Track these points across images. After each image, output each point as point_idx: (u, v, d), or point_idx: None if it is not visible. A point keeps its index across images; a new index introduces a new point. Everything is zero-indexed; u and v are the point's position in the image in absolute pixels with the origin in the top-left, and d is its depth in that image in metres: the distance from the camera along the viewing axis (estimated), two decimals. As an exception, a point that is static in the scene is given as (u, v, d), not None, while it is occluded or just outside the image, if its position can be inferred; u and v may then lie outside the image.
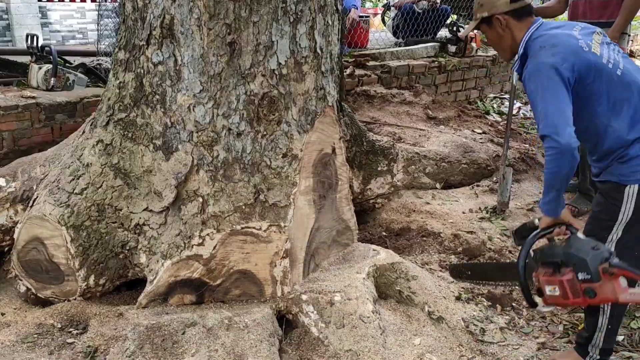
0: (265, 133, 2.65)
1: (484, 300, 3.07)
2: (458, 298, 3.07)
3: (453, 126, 4.94)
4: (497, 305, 3.05)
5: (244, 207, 2.68)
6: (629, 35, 3.90)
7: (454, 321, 2.86)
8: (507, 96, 7.09)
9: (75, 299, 2.76)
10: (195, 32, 2.46)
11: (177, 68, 2.54)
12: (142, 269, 2.78)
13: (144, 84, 2.62)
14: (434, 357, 2.69)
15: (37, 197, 2.75)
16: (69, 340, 2.53)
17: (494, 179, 4.40)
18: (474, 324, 2.86)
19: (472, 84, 6.63)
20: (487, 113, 6.40)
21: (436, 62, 5.94)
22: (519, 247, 2.28)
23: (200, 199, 2.67)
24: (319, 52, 2.69)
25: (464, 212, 3.97)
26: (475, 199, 4.19)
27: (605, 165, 2.30)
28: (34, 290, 2.77)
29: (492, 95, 7.04)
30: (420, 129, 4.55)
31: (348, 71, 4.91)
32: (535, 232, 2.23)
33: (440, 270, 3.32)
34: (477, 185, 4.34)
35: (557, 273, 2.08)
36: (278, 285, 2.76)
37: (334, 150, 2.95)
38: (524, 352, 2.72)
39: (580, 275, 2.02)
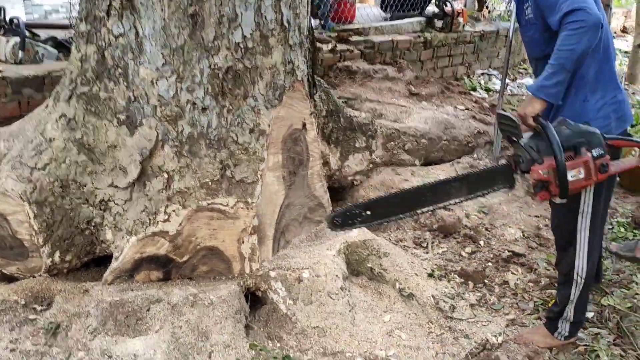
0: (231, 108, 2.59)
1: (457, 277, 3.05)
2: (431, 275, 3.05)
3: (436, 102, 4.88)
4: (470, 282, 3.03)
5: (210, 183, 2.63)
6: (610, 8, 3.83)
7: (424, 298, 2.85)
8: (494, 72, 7.02)
9: (40, 276, 2.73)
10: (155, 3, 2.38)
11: (139, 40, 2.47)
12: (109, 245, 2.75)
13: (105, 57, 2.56)
14: (402, 334, 2.69)
15: (3, 169, 2.70)
16: (31, 317, 2.50)
17: (474, 155, 4.36)
18: (444, 301, 2.85)
19: (459, 60, 6.55)
20: (474, 89, 6.33)
21: (422, 38, 5.85)
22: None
23: (165, 175, 2.62)
24: (286, 25, 2.62)
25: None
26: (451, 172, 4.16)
27: None
28: (-2, 267, 2.74)
29: (479, 71, 6.97)
30: (402, 105, 4.49)
31: (329, 46, 4.83)
32: (537, 119, 2.17)
33: (415, 248, 3.31)
34: (458, 162, 4.30)
35: (578, 155, 2.11)
36: (246, 262, 2.73)
37: (304, 125, 2.90)
38: (492, 328, 2.71)
39: (595, 152, 2.12)
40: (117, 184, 2.68)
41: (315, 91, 3.20)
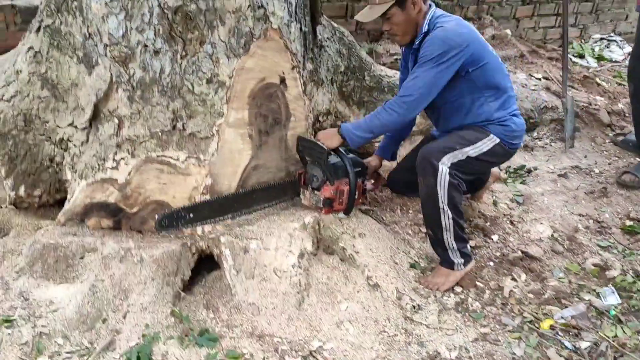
0: (185, 53, 2.35)
1: (442, 273, 2.63)
2: (413, 266, 2.66)
3: (509, 67, 4.24)
4: (459, 284, 2.60)
5: (160, 133, 2.44)
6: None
7: (389, 291, 2.49)
8: (617, 38, 6.03)
9: (5, 207, 2.74)
10: None
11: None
12: (69, 185, 2.68)
13: (65, -12, 2.42)
14: (351, 327, 2.38)
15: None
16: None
17: (534, 134, 3.75)
18: (411, 298, 2.47)
19: (571, 21, 5.64)
20: (581, 57, 5.48)
21: (520, -9, 5.11)
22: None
23: (116, 120, 2.47)
24: (250, -39, 2.30)
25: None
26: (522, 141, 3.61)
27: None
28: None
29: (598, 35, 6.02)
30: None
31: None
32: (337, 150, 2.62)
33: (410, 233, 2.91)
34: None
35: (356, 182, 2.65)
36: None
37: (283, 80, 2.58)
38: (455, 339, 2.30)
39: (363, 179, 2.81)
40: (76, 124, 2.59)
41: (311, 44, 2.86)
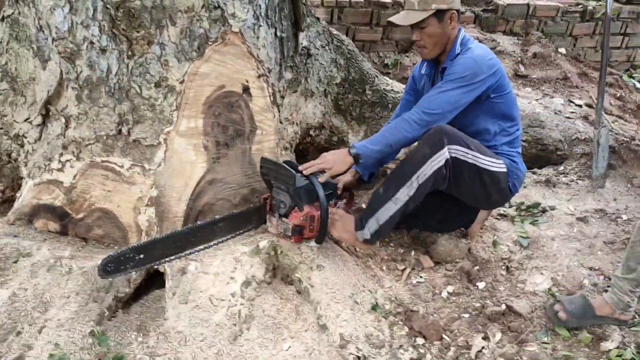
0: (131, 53, 2.17)
1: (404, 325, 2.30)
2: (374, 308, 2.35)
3: (546, 91, 3.79)
4: (421, 332, 2.27)
5: (105, 137, 2.28)
6: None
7: (335, 335, 2.19)
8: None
9: (-32, 200, 2.68)
10: None
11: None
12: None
13: (20, -23, 2.30)
14: (287, 373, 2.11)
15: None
16: None
17: (561, 168, 3.31)
18: (358, 348, 2.16)
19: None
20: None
21: (580, 6, 4.59)
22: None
23: (64, 120, 2.33)
24: (203, -43, 2.08)
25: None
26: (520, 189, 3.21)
27: None
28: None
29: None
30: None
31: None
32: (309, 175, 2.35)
33: (385, 270, 2.59)
34: (534, 173, 3.30)
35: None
36: (143, 235, 2.35)
37: (246, 89, 2.35)
38: (397, 405, 1.98)
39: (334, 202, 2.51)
40: (31, 119, 2.47)
41: (294, 54, 2.61)
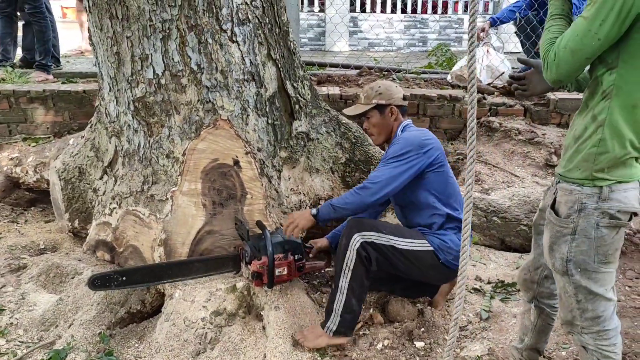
0: (150, 133, 3.02)
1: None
2: (322, 355, 2.79)
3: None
4: (343, 372, 2.66)
5: (135, 192, 3.13)
6: None
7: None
8: None
9: (67, 234, 3.72)
10: (99, 42, 3.02)
11: (99, 67, 3.15)
12: (97, 224, 3.54)
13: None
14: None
15: (62, 154, 3.79)
16: (24, 256, 3.51)
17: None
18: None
19: None
20: None
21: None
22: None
23: (114, 179, 3.25)
24: (195, 67, 2.87)
25: (474, 279, 3.27)
26: (510, 269, 3.34)
27: None
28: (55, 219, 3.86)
29: None
30: (515, 175, 3.76)
31: (477, 97, 4.33)
32: (260, 226, 2.94)
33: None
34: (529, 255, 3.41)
35: (285, 258, 2.87)
36: (157, 268, 3.12)
37: (237, 162, 3.05)
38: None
39: (297, 257, 2.92)
40: (102, 178, 3.45)
41: (287, 136, 3.26)
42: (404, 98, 2.96)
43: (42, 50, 5.59)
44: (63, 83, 4.90)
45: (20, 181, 4.20)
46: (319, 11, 10.97)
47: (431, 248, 2.75)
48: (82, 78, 5.21)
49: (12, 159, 4.22)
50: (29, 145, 4.39)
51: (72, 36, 8.29)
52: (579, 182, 1.84)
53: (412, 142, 2.75)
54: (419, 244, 2.75)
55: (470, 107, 1.72)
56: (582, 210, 1.84)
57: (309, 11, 10.96)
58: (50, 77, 5.47)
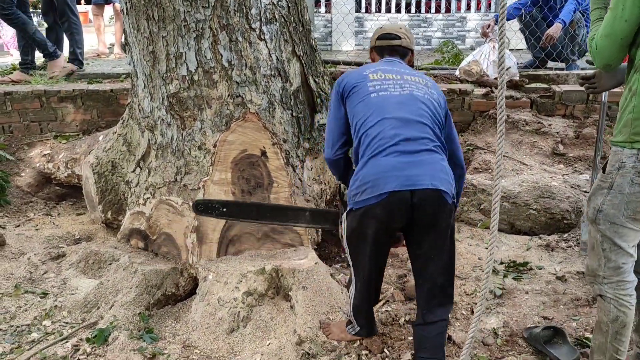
0: (184, 127, 3.23)
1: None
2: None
3: (578, 167, 4.03)
4: (368, 348, 2.85)
5: (169, 183, 3.34)
6: None
7: (297, 336, 2.89)
8: None
9: (100, 225, 3.93)
10: (135, 42, 3.23)
11: (133, 65, 3.37)
12: (130, 214, 3.75)
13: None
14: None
15: (95, 149, 4.01)
16: (62, 245, 3.72)
17: (565, 235, 3.59)
18: (310, 347, 2.83)
19: None
20: None
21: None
22: None
23: (147, 171, 3.46)
24: (226, 64, 3.08)
25: (480, 259, 3.47)
26: (521, 251, 3.54)
27: None
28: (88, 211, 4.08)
29: None
30: (524, 164, 3.96)
31: (483, 91, 4.55)
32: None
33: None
34: (540, 237, 3.62)
35: None
36: (189, 254, 3.33)
37: (264, 153, 3.26)
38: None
39: None
40: (134, 170, 3.66)
41: (309, 128, 3.47)
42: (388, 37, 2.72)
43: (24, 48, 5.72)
44: (89, 83, 5.12)
45: (52, 176, 4.42)
46: (325, 12, 11.20)
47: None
48: (105, 79, 5.43)
49: (44, 155, 4.44)
50: (60, 142, 4.61)
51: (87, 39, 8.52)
52: (621, 145, 2.10)
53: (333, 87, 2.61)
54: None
55: (500, 99, 1.95)
56: (621, 168, 2.09)
57: (316, 12, 11.19)
58: (28, 77, 5.53)
